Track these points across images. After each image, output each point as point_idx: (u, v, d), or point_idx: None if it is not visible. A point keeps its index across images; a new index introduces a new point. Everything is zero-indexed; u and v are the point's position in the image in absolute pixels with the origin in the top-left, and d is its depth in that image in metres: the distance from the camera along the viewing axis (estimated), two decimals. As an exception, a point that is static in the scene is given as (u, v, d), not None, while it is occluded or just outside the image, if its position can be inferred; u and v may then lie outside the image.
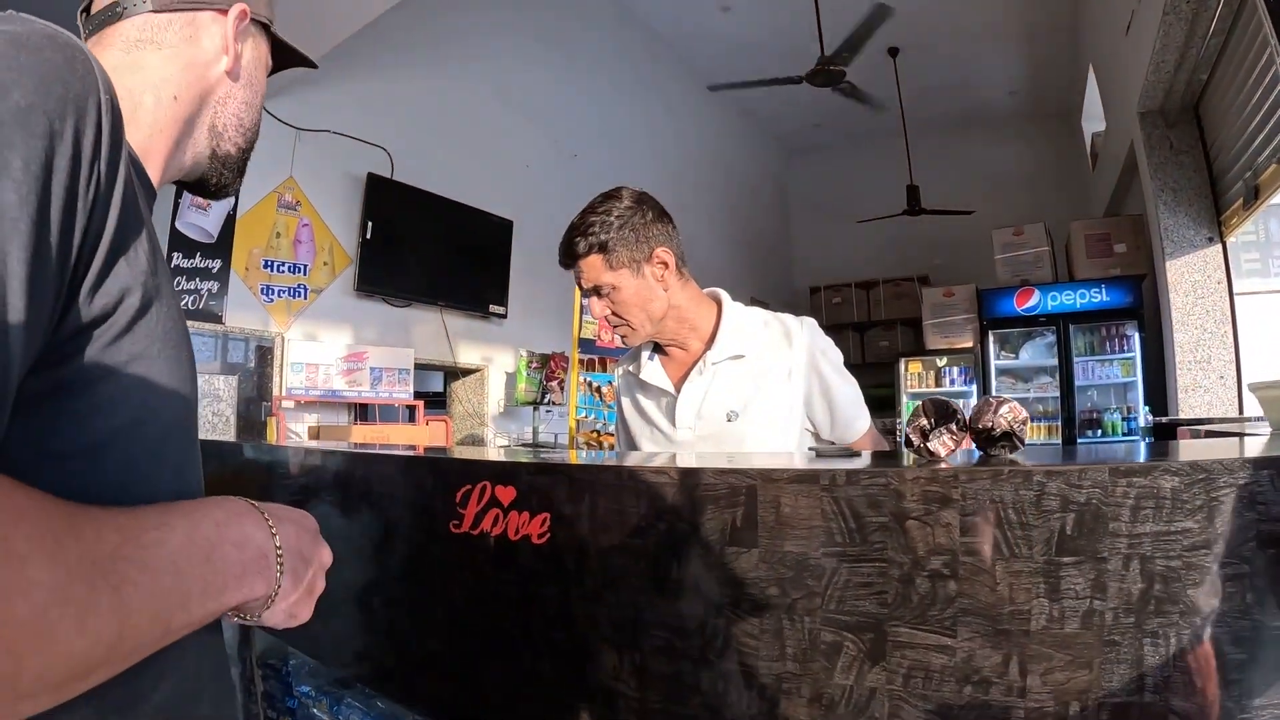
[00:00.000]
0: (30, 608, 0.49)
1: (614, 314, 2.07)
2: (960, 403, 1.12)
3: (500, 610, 1.40)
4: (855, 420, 2.11)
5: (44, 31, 0.65)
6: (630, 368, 2.29)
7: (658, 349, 2.23)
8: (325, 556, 0.92)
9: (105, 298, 0.68)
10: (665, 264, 2.06)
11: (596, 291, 2.06)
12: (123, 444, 0.73)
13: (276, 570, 0.77)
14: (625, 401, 2.30)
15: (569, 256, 2.06)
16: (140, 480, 0.75)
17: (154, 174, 0.98)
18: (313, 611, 0.88)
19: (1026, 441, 1.08)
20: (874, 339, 12.78)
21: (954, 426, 1.07)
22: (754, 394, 2.06)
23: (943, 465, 1.02)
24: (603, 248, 2.02)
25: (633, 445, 2.26)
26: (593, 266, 2.03)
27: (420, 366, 6.62)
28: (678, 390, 2.13)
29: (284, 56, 1.26)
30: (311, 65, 1.32)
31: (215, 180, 1.10)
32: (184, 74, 1.00)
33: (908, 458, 1.18)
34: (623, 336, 2.14)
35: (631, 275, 2.03)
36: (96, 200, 0.65)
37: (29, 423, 0.62)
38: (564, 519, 1.28)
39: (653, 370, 2.18)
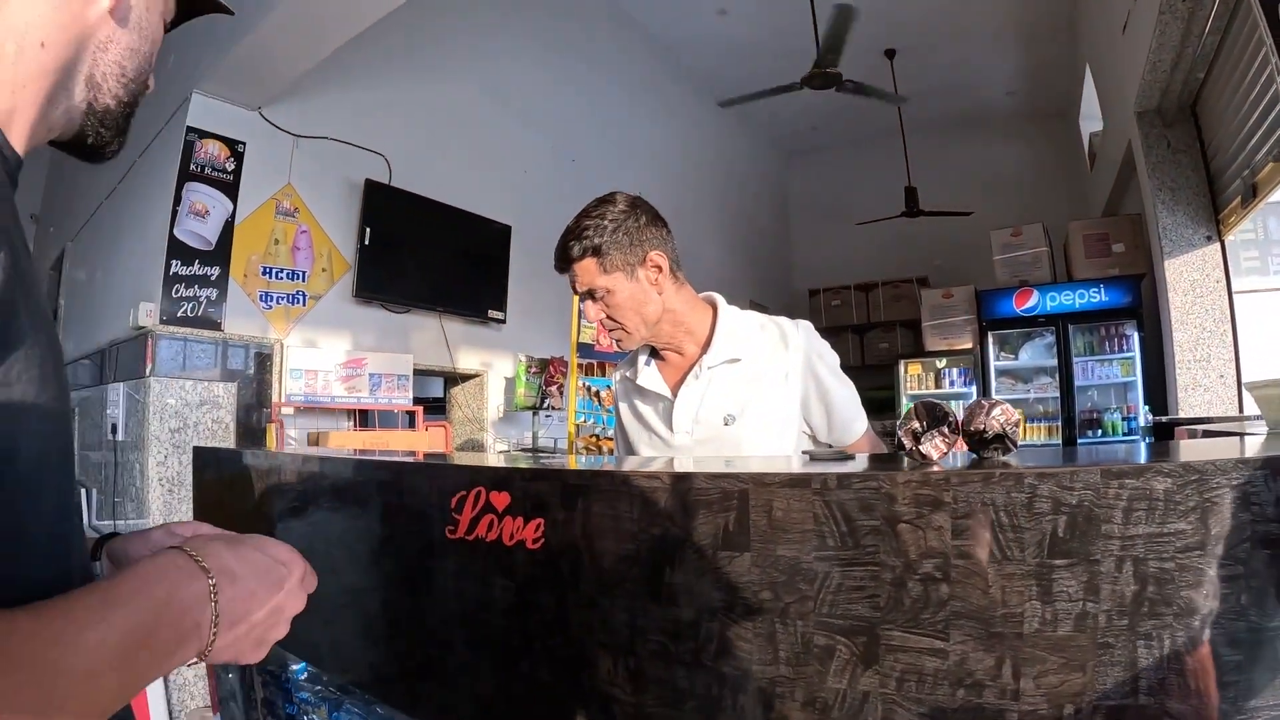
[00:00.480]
0: None
1: (609, 317, 2.09)
2: (959, 404, 1.12)
3: (496, 615, 1.40)
4: (853, 423, 2.12)
5: None
6: (627, 373, 2.29)
7: (654, 354, 2.24)
8: (289, 605, 0.90)
9: None
10: (659, 267, 2.07)
11: (591, 295, 2.08)
12: None
13: (210, 635, 0.77)
14: (623, 407, 2.31)
15: (563, 260, 2.08)
16: (16, 526, 0.73)
17: (18, 137, 0.87)
18: (264, 654, 0.88)
19: (1025, 442, 1.07)
20: (873, 341, 12.78)
21: (946, 429, 1.07)
22: (751, 398, 2.06)
23: (935, 468, 1.02)
24: (596, 251, 2.04)
25: (631, 450, 2.27)
26: (587, 270, 2.05)
27: (419, 372, 6.62)
28: (674, 395, 2.13)
29: (191, 3, 1.12)
30: (227, 11, 1.17)
31: (92, 139, 0.97)
32: (55, 14, 0.86)
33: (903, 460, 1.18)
34: (618, 340, 2.15)
35: (625, 279, 2.05)
36: None
37: None
38: (558, 524, 1.28)
39: (649, 375, 2.19)
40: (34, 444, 0.75)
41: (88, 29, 0.89)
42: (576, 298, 4.49)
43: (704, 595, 1.12)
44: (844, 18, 7.25)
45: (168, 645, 0.72)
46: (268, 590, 0.87)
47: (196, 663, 0.79)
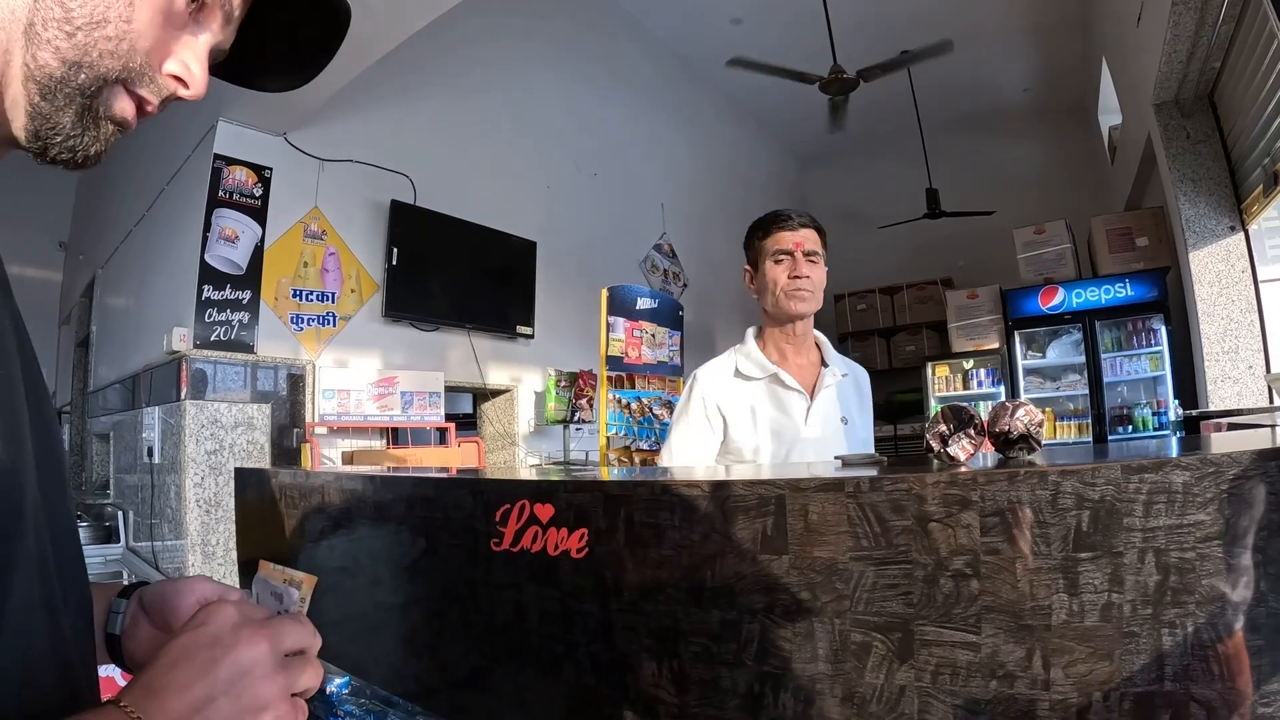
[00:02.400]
0: None
1: (810, 278, 2.50)
2: (986, 405, 1.16)
3: (541, 623, 1.43)
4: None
5: None
6: (749, 369, 2.58)
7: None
8: (245, 656, 0.71)
9: None
10: (823, 281, 2.58)
11: (810, 255, 2.52)
12: None
13: None
14: (737, 395, 2.56)
15: (801, 223, 2.54)
16: None
17: None
18: (288, 706, 0.73)
19: (1055, 440, 1.11)
20: (900, 344, 12.73)
21: (972, 431, 1.11)
22: (856, 405, 2.63)
23: (962, 469, 1.06)
24: (821, 230, 2.59)
25: (727, 439, 2.55)
26: (815, 236, 2.55)
27: (450, 389, 6.68)
28: (811, 394, 2.52)
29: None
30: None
31: (36, 124, 0.72)
32: None
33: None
34: (802, 300, 2.51)
35: (824, 263, 2.58)
36: None
37: None
38: (601, 534, 1.32)
39: (788, 374, 2.53)
40: None
41: None
42: (605, 310, 4.55)
43: (744, 597, 1.15)
44: (941, 48, 7.30)
45: None
46: (199, 667, 0.69)
47: None
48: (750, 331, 2.69)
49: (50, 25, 0.68)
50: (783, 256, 2.51)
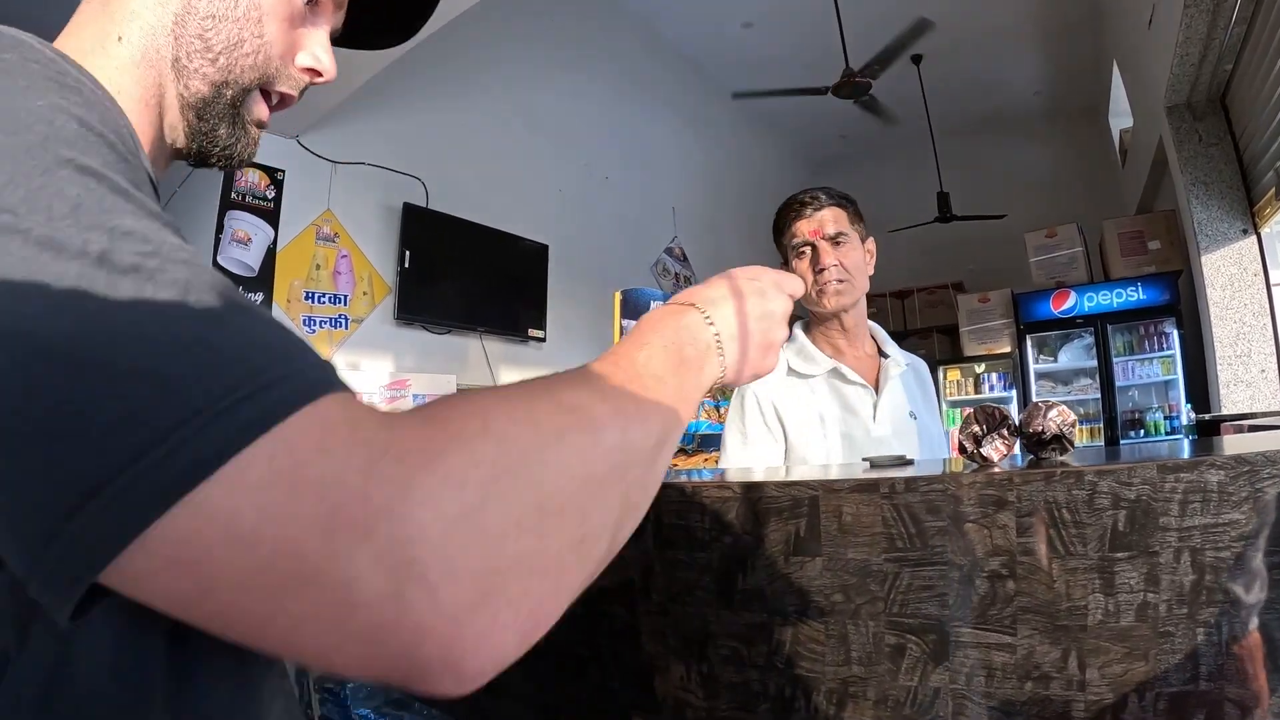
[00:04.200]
0: (618, 433, 0.57)
1: (840, 265, 2.23)
2: (1006, 408, 1.16)
3: (565, 626, 1.43)
4: None
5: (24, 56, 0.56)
6: (805, 367, 2.33)
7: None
8: (776, 307, 0.89)
9: None
10: (872, 254, 2.36)
11: (833, 239, 2.25)
12: None
13: (721, 353, 0.79)
14: (798, 395, 2.31)
15: (823, 195, 2.30)
16: None
17: (145, 144, 0.77)
18: (777, 355, 0.90)
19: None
20: (911, 348, 12.34)
21: (1005, 432, 1.11)
22: (921, 399, 2.42)
23: (996, 469, 1.06)
24: (848, 202, 2.32)
25: (786, 439, 2.31)
26: (838, 215, 2.27)
27: (462, 392, 6.68)
28: (877, 389, 2.30)
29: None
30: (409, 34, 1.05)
31: (198, 141, 0.82)
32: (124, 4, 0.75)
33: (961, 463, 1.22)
34: (835, 293, 2.25)
35: (859, 239, 2.31)
36: None
37: None
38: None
39: (850, 369, 2.31)
40: None
41: (160, 6, 0.76)
42: (618, 313, 4.53)
43: (776, 600, 1.16)
44: (918, 30, 7.29)
45: (696, 361, 0.75)
46: (759, 301, 0.87)
47: (720, 384, 0.83)
48: (798, 326, 2.44)
49: (194, 56, 0.77)
50: (803, 249, 2.29)
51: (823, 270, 2.23)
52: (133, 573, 0.42)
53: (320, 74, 0.88)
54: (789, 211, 2.34)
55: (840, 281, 2.23)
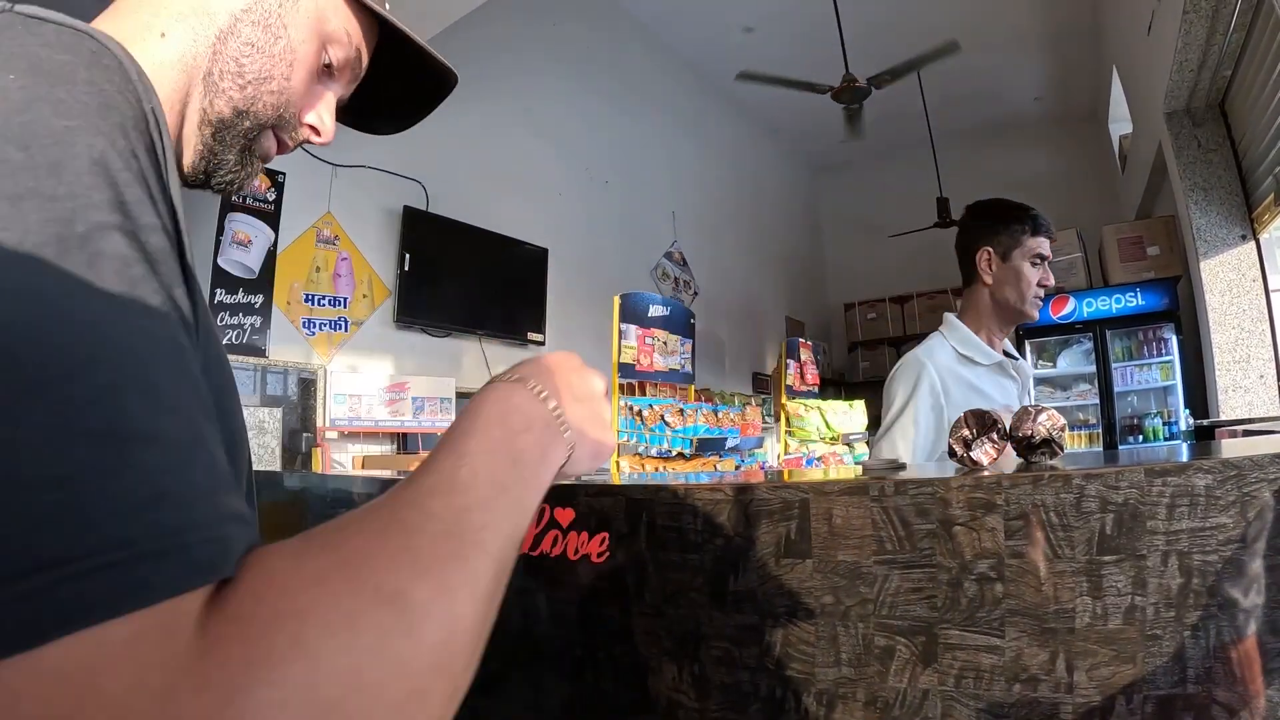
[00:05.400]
0: (441, 622, 0.50)
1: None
2: (998, 411, 1.17)
3: (560, 628, 1.44)
4: None
5: (63, 42, 0.57)
6: (976, 355, 2.45)
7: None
8: (597, 384, 0.81)
9: None
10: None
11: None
12: None
13: (562, 428, 0.72)
14: (955, 387, 2.38)
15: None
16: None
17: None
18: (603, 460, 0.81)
19: (1067, 448, 1.12)
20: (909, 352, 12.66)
21: (995, 436, 1.12)
22: (1026, 392, 2.56)
23: (986, 473, 1.06)
24: None
25: (939, 441, 2.37)
26: None
27: (461, 395, 6.68)
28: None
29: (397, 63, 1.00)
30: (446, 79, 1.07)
31: (205, 158, 0.83)
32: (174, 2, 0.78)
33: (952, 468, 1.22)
34: (1037, 308, 2.47)
35: None
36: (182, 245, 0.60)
37: None
38: (623, 538, 1.33)
39: (1009, 364, 2.49)
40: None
41: (210, 11, 0.79)
42: (616, 318, 4.55)
43: (767, 601, 1.16)
44: (943, 50, 7.30)
45: (532, 451, 0.67)
46: (579, 376, 0.80)
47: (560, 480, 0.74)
48: (953, 317, 2.58)
49: (226, 77, 0.80)
50: (1039, 261, 2.42)
51: (1043, 286, 2.39)
52: None
53: (319, 134, 0.91)
54: (1039, 223, 2.45)
55: (1040, 299, 2.40)
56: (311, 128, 0.90)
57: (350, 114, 1.03)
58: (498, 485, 0.61)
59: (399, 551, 0.51)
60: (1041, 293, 2.40)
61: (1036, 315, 2.45)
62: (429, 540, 0.53)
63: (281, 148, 0.90)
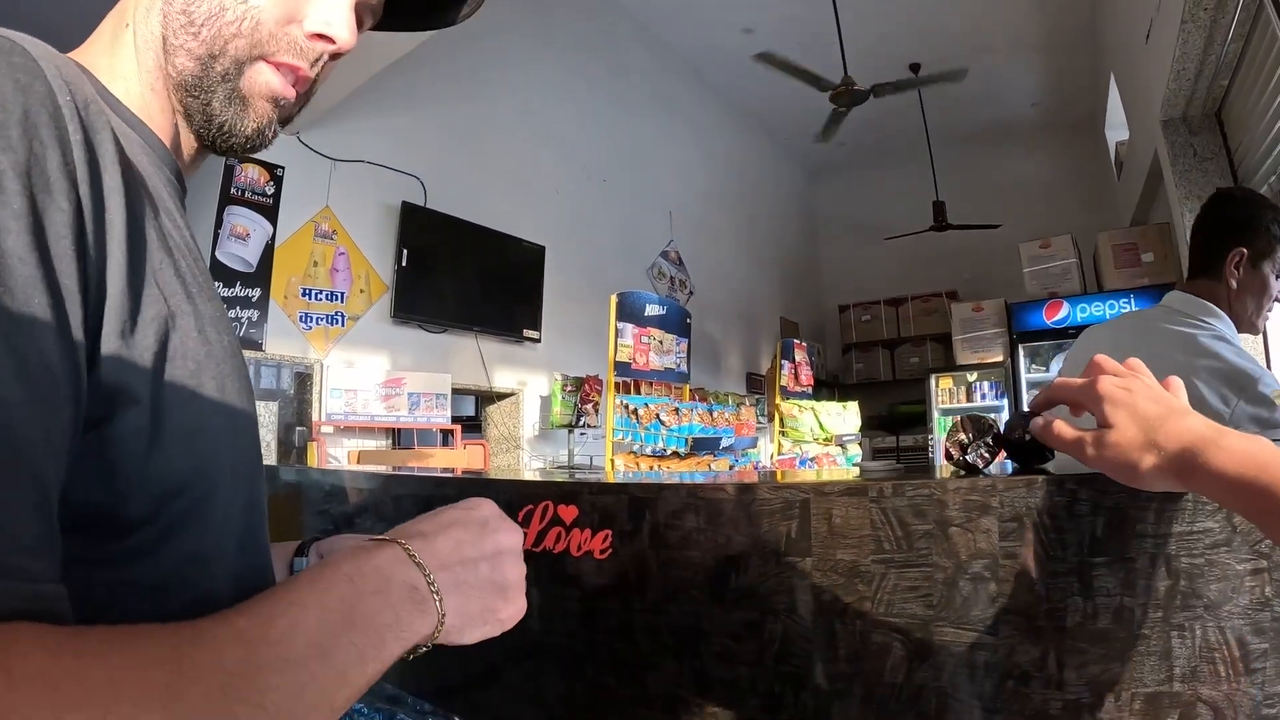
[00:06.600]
0: None
1: None
2: (993, 417, 1.20)
3: (562, 622, 1.46)
4: None
5: None
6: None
7: None
8: (505, 540, 0.76)
9: (120, 340, 0.58)
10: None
11: None
12: (172, 519, 0.63)
13: (434, 597, 0.66)
14: None
15: None
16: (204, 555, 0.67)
17: (164, 133, 0.78)
18: (523, 600, 0.76)
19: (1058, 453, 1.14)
20: (904, 356, 12.72)
21: (990, 440, 1.14)
22: None
23: (981, 476, 1.09)
24: None
25: None
26: None
27: (456, 391, 6.68)
28: None
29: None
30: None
31: (198, 120, 0.78)
32: None
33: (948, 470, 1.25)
34: (1266, 319, 2.32)
35: None
36: (84, 239, 0.55)
37: None
38: (625, 535, 1.35)
39: None
40: (222, 456, 0.70)
41: None
42: (613, 316, 4.56)
43: (767, 598, 1.19)
44: (951, 75, 7.34)
45: (380, 617, 0.61)
46: (476, 536, 0.74)
47: (452, 641, 0.69)
48: (1211, 305, 2.29)
49: (179, 33, 0.74)
50: None
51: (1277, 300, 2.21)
52: None
53: (332, 41, 0.81)
54: None
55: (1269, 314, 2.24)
56: (319, 36, 0.80)
57: (398, 17, 0.94)
58: (316, 648, 0.55)
59: (156, 697, 0.45)
60: (1272, 304, 2.23)
61: (1260, 327, 2.26)
62: (201, 694, 0.47)
63: (297, 80, 0.82)
